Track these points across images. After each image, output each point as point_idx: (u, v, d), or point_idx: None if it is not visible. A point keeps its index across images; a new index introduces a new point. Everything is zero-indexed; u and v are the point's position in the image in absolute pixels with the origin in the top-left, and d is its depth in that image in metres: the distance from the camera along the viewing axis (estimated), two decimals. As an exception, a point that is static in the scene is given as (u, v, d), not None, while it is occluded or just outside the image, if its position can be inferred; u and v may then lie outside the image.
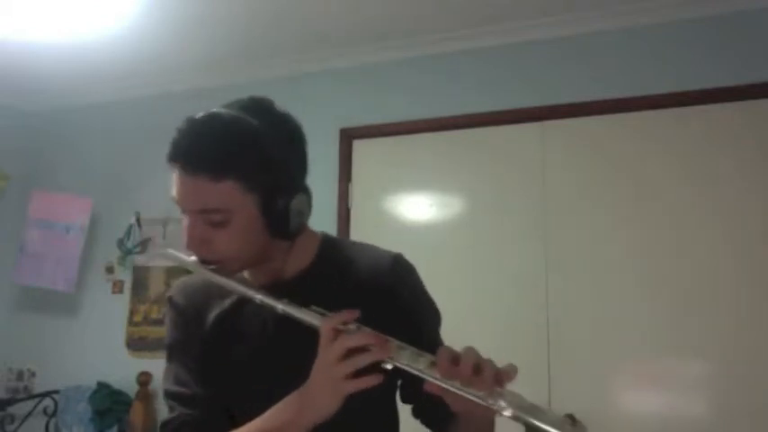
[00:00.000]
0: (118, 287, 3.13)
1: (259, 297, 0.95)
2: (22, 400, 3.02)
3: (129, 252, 3.10)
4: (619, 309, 2.30)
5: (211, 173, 0.90)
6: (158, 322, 3.00)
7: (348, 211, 2.76)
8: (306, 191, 0.99)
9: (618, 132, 2.42)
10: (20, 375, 3.24)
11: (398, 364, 0.84)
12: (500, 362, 0.84)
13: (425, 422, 1.07)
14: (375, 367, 0.85)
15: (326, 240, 1.11)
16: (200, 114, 0.95)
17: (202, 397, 1.02)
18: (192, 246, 0.95)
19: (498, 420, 0.88)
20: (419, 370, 0.83)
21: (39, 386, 3.14)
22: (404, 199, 2.73)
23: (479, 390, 0.80)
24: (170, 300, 1.11)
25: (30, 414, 3.00)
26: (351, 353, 0.84)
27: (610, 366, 2.28)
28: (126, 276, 3.13)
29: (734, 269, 2.19)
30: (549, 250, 2.42)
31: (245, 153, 0.92)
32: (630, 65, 2.43)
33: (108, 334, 3.08)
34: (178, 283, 1.13)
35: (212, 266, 0.97)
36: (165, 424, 1.02)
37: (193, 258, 0.98)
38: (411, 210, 2.71)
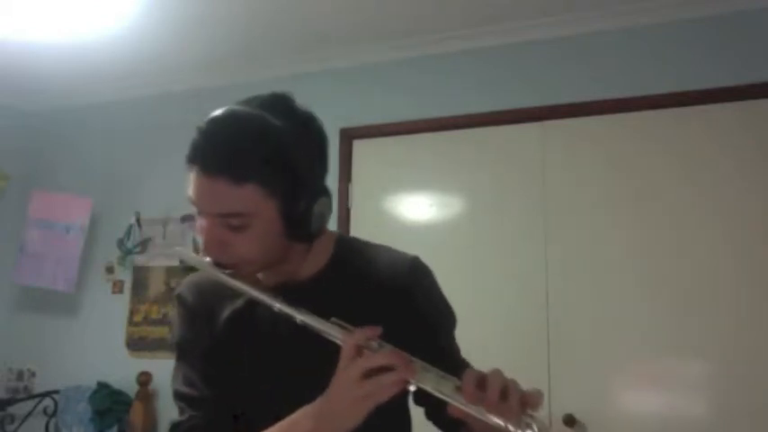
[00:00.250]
0: (118, 287, 3.13)
1: (278, 306, 0.92)
2: (22, 400, 3.02)
3: (129, 252, 3.10)
4: (619, 309, 2.30)
5: (232, 177, 0.87)
6: (158, 322, 3.00)
7: (348, 211, 2.75)
8: (327, 193, 0.96)
9: (618, 132, 2.42)
10: (20, 375, 3.24)
11: (423, 387, 0.83)
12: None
13: (438, 424, 1.06)
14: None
15: (341, 240, 1.09)
16: (221, 113, 0.92)
17: (211, 399, 1.01)
18: (210, 249, 0.92)
19: None
20: (445, 394, 0.82)
21: (39, 386, 3.14)
22: (404, 199, 2.73)
23: (506, 417, 0.79)
24: (179, 297, 1.09)
25: (30, 414, 3.00)
26: (373, 371, 0.83)
27: (610, 366, 2.28)
28: (126, 276, 3.12)
29: (734, 269, 2.19)
30: (549, 250, 2.42)
31: (268, 157, 0.89)
32: (630, 65, 2.43)
33: (108, 334, 3.08)
34: (186, 280, 1.11)
35: (228, 271, 0.94)
36: (176, 426, 1.02)
37: (208, 260, 0.95)
38: (411, 210, 2.71)
